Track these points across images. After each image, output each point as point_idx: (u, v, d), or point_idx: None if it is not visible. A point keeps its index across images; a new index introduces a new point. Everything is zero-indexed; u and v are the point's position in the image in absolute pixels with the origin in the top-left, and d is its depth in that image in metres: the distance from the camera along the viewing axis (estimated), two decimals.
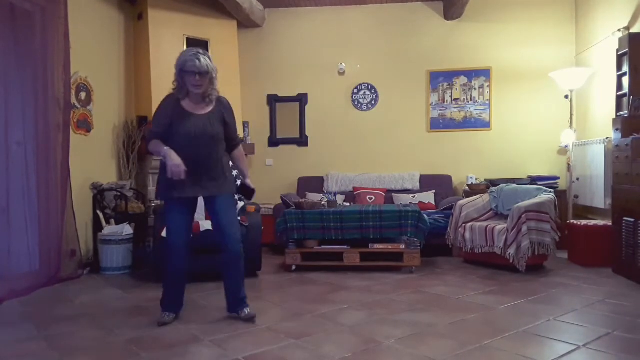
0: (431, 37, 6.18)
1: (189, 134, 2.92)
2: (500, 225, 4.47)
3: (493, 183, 5.54)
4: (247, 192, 3.16)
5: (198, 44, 5.76)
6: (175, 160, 2.79)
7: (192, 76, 2.86)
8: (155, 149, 2.91)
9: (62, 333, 2.90)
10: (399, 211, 4.50)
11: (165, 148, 2.84)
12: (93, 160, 4.93)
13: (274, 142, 6.51)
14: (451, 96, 6.19)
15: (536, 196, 4.64)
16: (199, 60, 2.85)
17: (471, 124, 6.17)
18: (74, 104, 4.61)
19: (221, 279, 4.14)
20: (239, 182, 3.34)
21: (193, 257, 4.09)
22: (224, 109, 3.08)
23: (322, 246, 4.60)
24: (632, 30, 4.57)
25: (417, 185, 5.94)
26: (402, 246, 4.47)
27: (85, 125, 4.78)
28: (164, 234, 4.04)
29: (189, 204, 3.05)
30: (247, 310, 3.10)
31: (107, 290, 3.97)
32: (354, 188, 5.96)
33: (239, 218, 4.31)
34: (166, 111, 2.95)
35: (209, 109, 3.01)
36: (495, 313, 3.18)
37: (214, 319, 3.12)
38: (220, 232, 3.05)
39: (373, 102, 6.34)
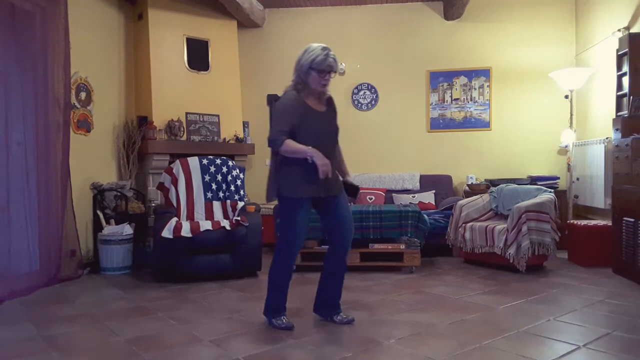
0: (431, 37, 6.18)
1: (319, 132, 2.86)
2: (500, 225, 4.47)
3: (493, 183, 5.54)
4: (353, 190, 3.07)
5: (198, 44, 5.78)
6: (323, 158, 2.71)
7: (324, 74, 2.82)
8: (294, 148, 2.75)
9: (62, 333, 2.90)
10: (399, 211, 4.50)
11: (309, 147, 2.73)
12: (93, 160, 4.93)
13: None
14: (451, 96, 6.19)
15: (536, 196, 4.64)
16: (334, 59, 2.83)
17: (471, 124, 6.17)
18: (74, 104, 4.61)
19: (222, 278, 4.18)
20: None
21: (192, 258, 4.14)
22: (333, 108, 3.04)
23: (322, 246, 4.59)
24: (632, 31, 4.57)
25: (417, 185, 5.94)
26: (402, 246, 4.47)
27: (85, 125, 4.78)
28: (164, 233, 4.06)
29: (311, 204, 2.94)
30: (343, 316, 3.04)
31: (107, 290, 3.97)
32: None
33: (239, 218, 4.33)
34: (296, 109, 2.82)
35: (325, 107, 2.97)
36: (495, 313, 3.18)
37: (214, 319, 3.12)
38: (342, 229, 2.95)
39: (373, 102, 6.34)
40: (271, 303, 2.97)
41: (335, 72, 2.88)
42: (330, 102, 3.02)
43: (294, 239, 2.89)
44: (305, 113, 2.84)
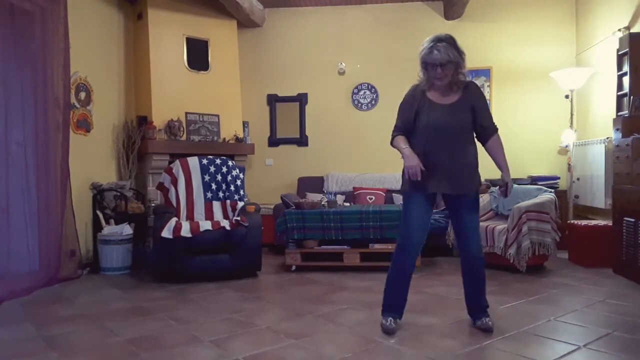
0: None
1: (431, 127, 2.72)
2: (501, 226, 4.46)
3: (493, 183, 5.52)
4: (502, 187, 2.80)
5: (198, 44, 5.77)
6: (411, 161, 2.67)
7: (433, 68, 2.67)
8: (397, 147, 2.80)
9: (61, 333, 2.90)
10: (399, 211, 4.47)
11: (404, 147, 2.73)
12: (93, 160, 4.93)
13: (274, 142, 6.50)
14: None
15: (536, 196, 4.63)
16: (438, 50, 2.63)
17: None
18: (74, 103, 4.60)
19: (222, 278, 4.18)
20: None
21: (191, 258, 4.13)
22: (471, 96, 2.77)
23: (322, 246, 4.59)
24: (633, 30, 4.57)
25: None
26: None
27: (84, 125, 4.78)
28: (164, 233, 4.05)
29: (429, 199, 2.83)
30: (485, 320, 2.84)
31: (107, 290, 3.97)
32: (354, 188, 5.96)
33: (238, 218, 4.32)
34: (410, 104, 2.78)
35: (456, 97, 2.76)
36: (495, 313, 3.17)
37: (214, 319, 3.12)
38: (462, 235, 2.83)
39: (373, 102, 6.33)
40: (383, 297, 2.91)
41: (443, 64, 2.64)
42: (467, 89, 2.78)
43: (404, 235, 2.84)
44: (422, 107, 2.75)
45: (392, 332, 2.78)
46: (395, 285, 2.88)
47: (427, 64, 2.68)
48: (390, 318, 2.84)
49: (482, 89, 2.96)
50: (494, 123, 2.83)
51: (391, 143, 2.87)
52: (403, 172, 2.87)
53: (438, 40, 2.67)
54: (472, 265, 2.88)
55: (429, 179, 2.73)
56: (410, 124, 2.78)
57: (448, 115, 2.72)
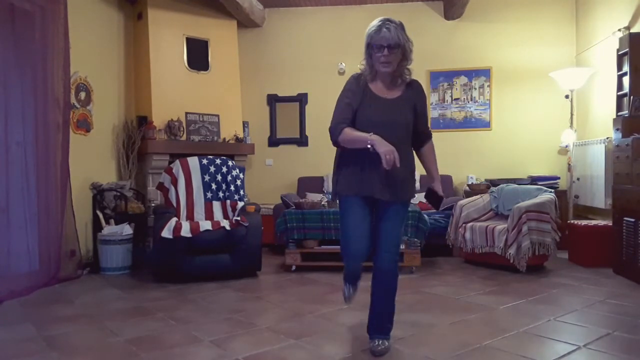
0: (431, 37, 6.17)
1: (375, 122, 2.39)
2: (501, 225, 4.46)
3: (493, 183, 5.53)
4: (435, 199, 2.61)
5: (198, 44, 5.77)
6: (386, 145, 2.25)
7: (379, 50, 2.35)
8: (353, 137, 2.36)
9: (61, 333, 2.90)
10: None
11: (370, 134, 2.30)
12: (93, 160, 4.93)
13: (274, 142, 6.50)
14: (451, 96, 6.19)
15: (536, 196, 4.64)
16: (388, 29, 2.33)
17: (471, 123, 6.16)
18: (74, 103, 4.60)
19: (222, 278, 4.18)
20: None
21: (191, 258, 4.13)
22: (414, 94, 2.50)
23: (322, 246, 4.59)
24: (633, 30, 4.57)
25: (417, 185, 5.93)
26: (402, 246, 4.46)
27: (84, 125, 4.78)
28: (164, 233, 4.05)
29: (368, 203, 2.49)
30: (378, 342, 2.55)
31: (107, 290, 3.97)
32: None
33: (238, 218, 4.32)
34: (354, 93, 2.45)
35: (398, 93, 2.47)
36: (495, 313, 3.18)
37: (214, 319, 3.12)
38: (377, 244, 2.54)
39: None
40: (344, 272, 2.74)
41: (392, 46, 2.34)
42: (410, 87, 2.50)
43: (345, 244, 2.53)
44: (364, 99, 2.44)
45: (349, 297, 2.76)
46: (346, 284, 2.77)
47: (372, 46, 2.38)
48: (348, 285, 2.75)
49: (425, 90, 2.61)
50: (429, 128, 2.62)
51: (337, 137, 2.42)
52: (335, 171, 2.58)
53: (388, 20, 2.39)
54: (380, 280, 2.60)
55: (365, 181, 2.43)
56: (353, 117, 2.44)
57: (391, 111, 2.43)
